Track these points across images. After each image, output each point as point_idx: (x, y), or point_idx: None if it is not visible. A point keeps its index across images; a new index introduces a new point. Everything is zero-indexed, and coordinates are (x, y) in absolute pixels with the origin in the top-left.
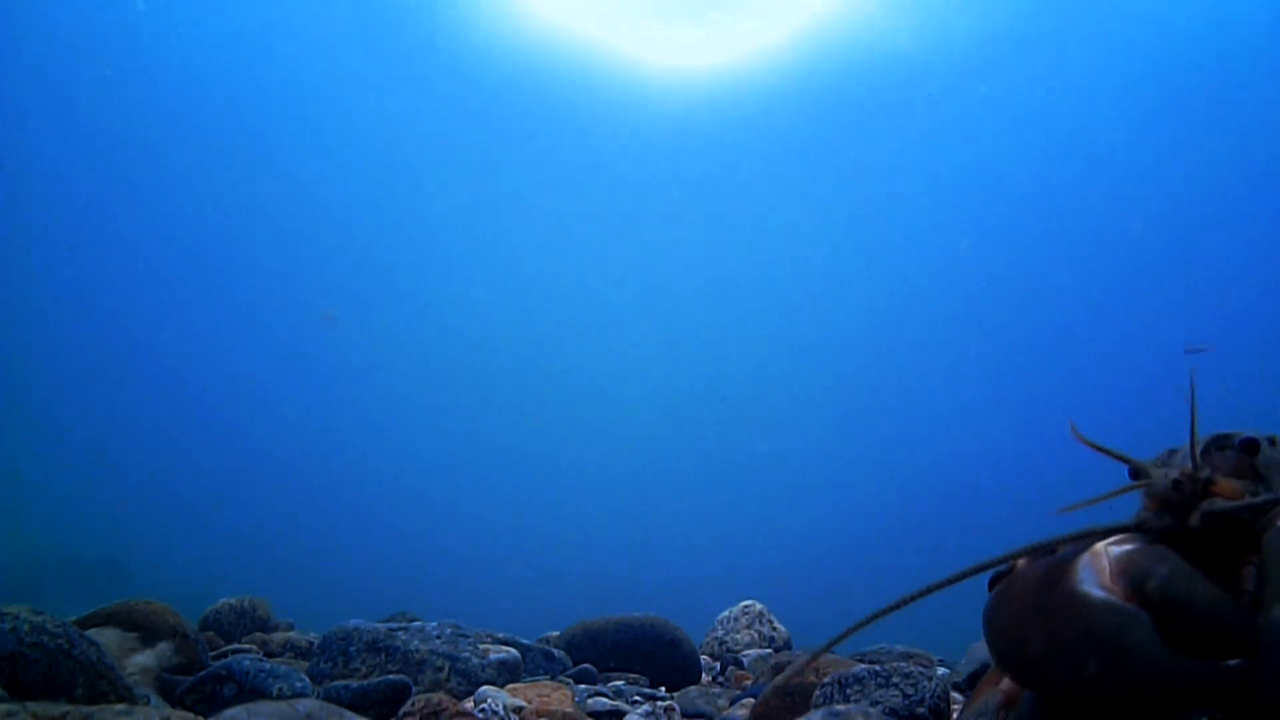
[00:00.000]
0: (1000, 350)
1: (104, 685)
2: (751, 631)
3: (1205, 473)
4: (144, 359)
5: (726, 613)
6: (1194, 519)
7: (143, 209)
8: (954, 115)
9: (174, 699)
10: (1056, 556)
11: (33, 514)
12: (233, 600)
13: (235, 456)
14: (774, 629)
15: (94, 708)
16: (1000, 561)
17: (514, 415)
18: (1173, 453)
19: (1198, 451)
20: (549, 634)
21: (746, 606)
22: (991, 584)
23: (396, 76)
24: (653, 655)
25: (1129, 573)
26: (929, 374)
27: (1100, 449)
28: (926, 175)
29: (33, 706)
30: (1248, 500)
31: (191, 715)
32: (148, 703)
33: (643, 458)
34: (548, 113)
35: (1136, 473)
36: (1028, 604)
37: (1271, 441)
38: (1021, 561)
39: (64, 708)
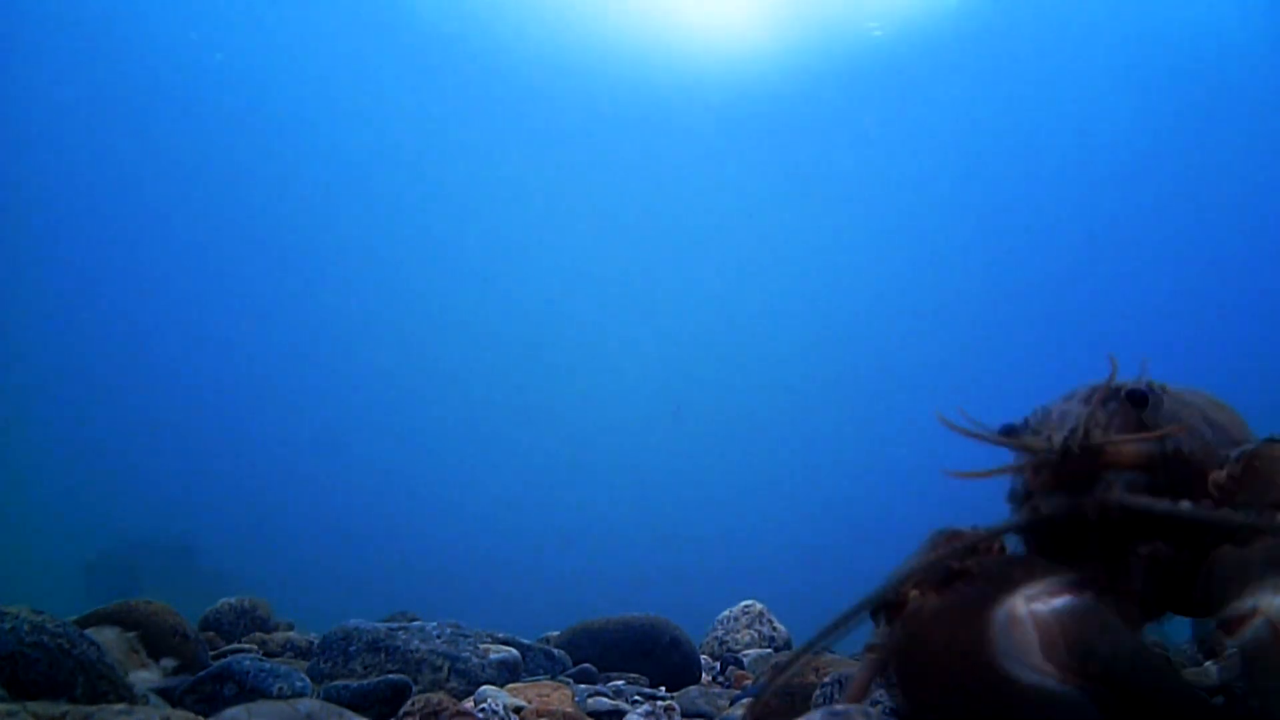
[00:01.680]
0: (1002, 349)
1: (104, 685)
2: (751, 631)
3: (1097, 435)
4: (152, 360)
5: (726, 612)
6: (1091, 508)
7: (180, 212)
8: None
9: (174, 699)
10: (964, 602)
11: (105, 506)
12: (233, 600)
13: (236, 457)
14: (774, 629)
15: (94, 708)
16: (888, 593)
17: (513, 415)
18: (1046, 411)
19: (1085, 407)
20: (549, 634)
21: (746, 606)
22: (875, 614)
23: (403, 70)
24: (653, 655)
25: (1063, 647)
26: (931, 372)
27: (964, 431)
28: (926, 170)
29: (33, 706)
30: (1163, 506)
31: (191, 715)
32: (147, 702)
33: (643, 457)
34: (552, 103)
35: (1020, 444)
36: (943, 671)
37: (1163, 388)
38: (914, 592)
39: (64, 708)
